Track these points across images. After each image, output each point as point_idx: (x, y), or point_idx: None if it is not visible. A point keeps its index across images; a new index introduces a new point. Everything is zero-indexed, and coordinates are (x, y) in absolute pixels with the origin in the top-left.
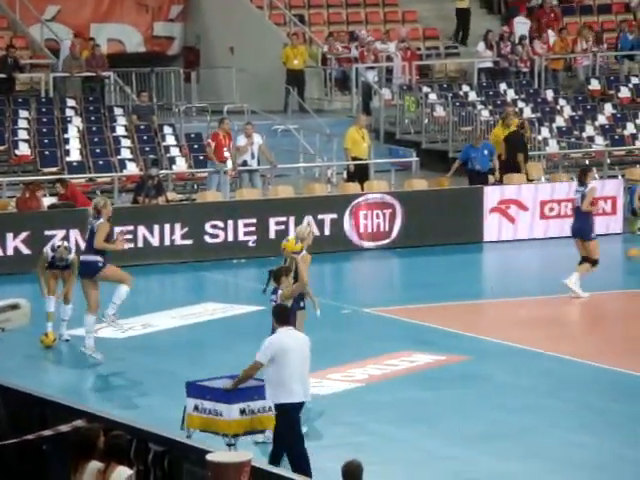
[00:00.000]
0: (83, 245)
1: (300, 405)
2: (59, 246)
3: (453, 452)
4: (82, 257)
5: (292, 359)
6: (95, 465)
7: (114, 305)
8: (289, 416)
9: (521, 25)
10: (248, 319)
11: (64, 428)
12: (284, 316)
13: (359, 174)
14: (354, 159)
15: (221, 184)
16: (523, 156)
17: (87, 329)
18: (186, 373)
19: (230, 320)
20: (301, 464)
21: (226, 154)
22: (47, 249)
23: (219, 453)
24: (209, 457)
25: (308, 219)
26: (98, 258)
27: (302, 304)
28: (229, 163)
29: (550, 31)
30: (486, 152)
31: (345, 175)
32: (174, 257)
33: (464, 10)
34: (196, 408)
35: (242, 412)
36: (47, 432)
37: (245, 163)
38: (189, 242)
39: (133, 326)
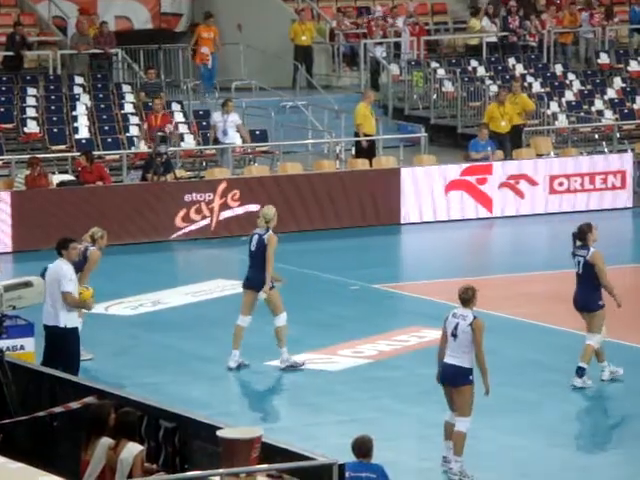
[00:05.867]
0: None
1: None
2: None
3: None
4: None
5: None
6: (106, 441)
7: None
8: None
9: None
10: None
11: (74, 405)
12: None
13: (368, 150)
14: (365, 135)
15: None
16: None
17: None
18: (196, 350)
19: (239, 297)
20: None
21: (159, 133)
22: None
23: (230, 429)
24: (220, 433)
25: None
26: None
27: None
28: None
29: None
30: (489, 149)
31: (353, 151)
32: (184, 234)
33: None
34: None
35: None
36: (58, 409)
37: (217, 141)
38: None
39: (143, 303)
